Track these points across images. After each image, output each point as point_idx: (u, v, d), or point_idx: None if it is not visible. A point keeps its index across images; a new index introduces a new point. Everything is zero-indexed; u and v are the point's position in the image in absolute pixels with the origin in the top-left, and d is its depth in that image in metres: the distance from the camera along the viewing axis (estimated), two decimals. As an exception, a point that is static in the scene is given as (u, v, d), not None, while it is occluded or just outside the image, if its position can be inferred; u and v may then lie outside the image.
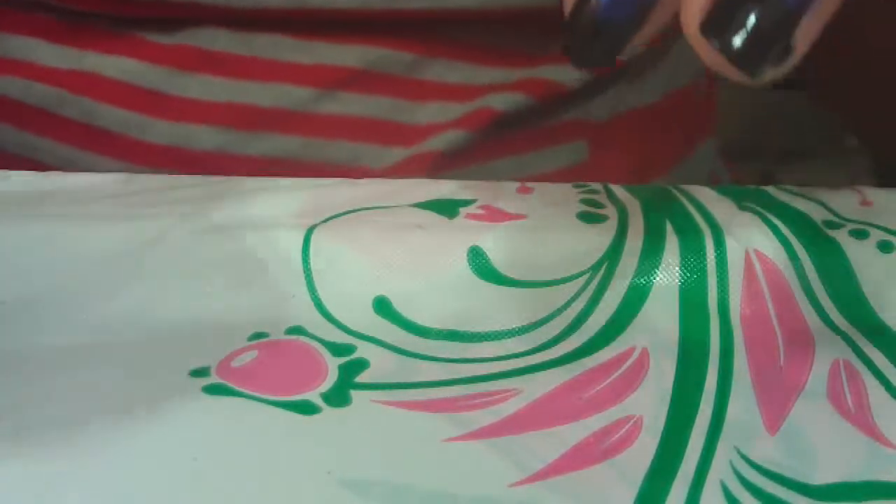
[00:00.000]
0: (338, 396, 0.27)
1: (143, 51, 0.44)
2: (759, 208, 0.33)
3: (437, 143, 0.46)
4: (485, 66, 0.46)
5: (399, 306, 0.30)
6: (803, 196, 0.34)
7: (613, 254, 0.32)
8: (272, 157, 0.45)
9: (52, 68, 0.45)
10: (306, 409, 0.27)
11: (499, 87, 0.46)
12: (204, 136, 0.45)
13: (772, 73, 0.26)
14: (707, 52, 0.26)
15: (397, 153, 0.46)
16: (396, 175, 0.46)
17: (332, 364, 0.29)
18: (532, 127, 0.48)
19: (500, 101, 0.46)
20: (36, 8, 0.44)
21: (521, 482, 0.25)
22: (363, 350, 0.29)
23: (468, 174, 0.47)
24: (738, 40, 0.25)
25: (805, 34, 0.26)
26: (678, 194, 0.35)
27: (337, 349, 0.29)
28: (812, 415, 0.27)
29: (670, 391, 0.28)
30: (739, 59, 0.25)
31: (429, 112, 0.46)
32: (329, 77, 0.45)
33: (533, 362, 0.29)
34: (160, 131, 0.45)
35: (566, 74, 0.48)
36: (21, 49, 0.45)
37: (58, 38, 0.45)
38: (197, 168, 0.44)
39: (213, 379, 0.28)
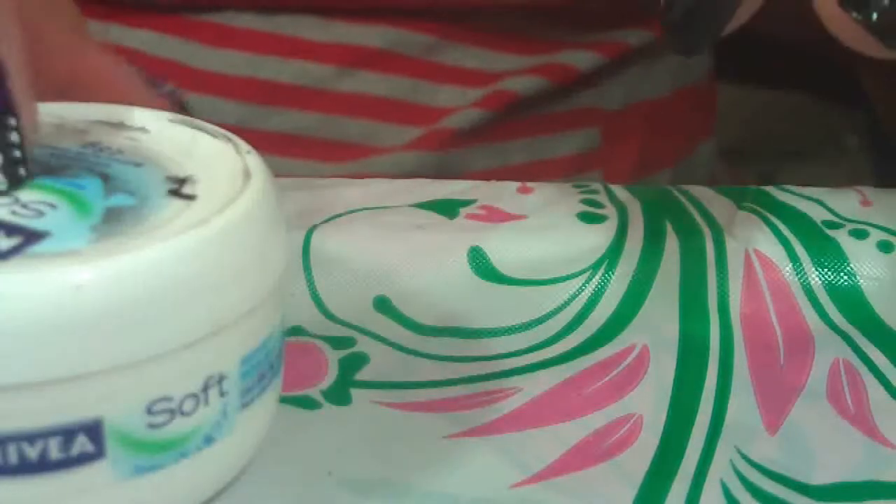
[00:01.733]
0: (338, 394, 0.27)
1: (168, 25, 0.45)
2: (759, 208, 0.33)
3: (452, 121, 0.46)
4: (502, 53, 0.47)
5: (399, 305, 0.30)
6: (803, 196, 0.34)
7: (613, 253, 0.32)
8: (291, 132, 0.46)
9: None
10: (306, 404, 0.27)
11: (515, 72, 0.47)
12: (224, 109, 0.45)
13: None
14: (844, 26, 0.25)
15: (413, 132, 0.46)
16: (410, 151, 0.46)
17: (332, 358, 0.29)
18: (547, 110, 0.48)
19: (517, 84, 0.47)
20: None
21: (523, 482, 0.25)
22: (363, 344, 0.29)
23: (480, 152, 0.47)
24: (878, 11, 0.25)
25: None
26: (678, 194, 0.35)
27: (336, 342, 0.29)
28: (812, 414, 0.27)
29: (670, 389, 0.28)
30: (881, 30, 0.25)
31: (447, 95, 0.46)
32: (349, 55, 0.45)
33: (533, 360, 0.29)
34: None
35: (580, 58, 0.48)
36: None
37: (83, 13, 0.45)
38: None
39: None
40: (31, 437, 0.19)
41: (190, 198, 0.22)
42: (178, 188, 0.22)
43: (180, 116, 0.25)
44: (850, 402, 0.28)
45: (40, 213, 0.21)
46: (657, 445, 0.26)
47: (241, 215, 0.21)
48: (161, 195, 0.22)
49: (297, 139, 0.46)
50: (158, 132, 0.24)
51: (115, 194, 0.22)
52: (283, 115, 0.46)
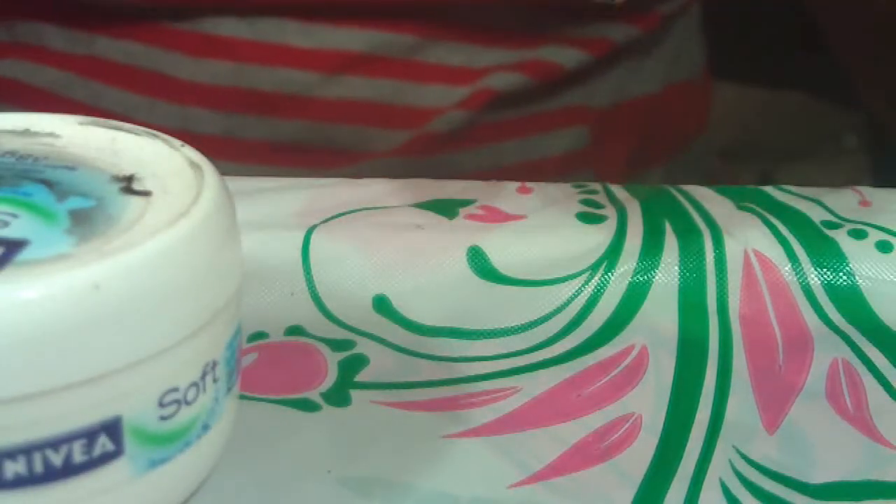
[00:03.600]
0: (338, 396, 0.27)
1: (151, 35, 0.45)
2: (758, 208, 0.33)
3: (439, 124, 0.46)
4: (485, 48, 0.47)
5: (399, 305, 0.30)
6: (802, 196, 0.35)
7: (613, 253, 0.32)
8: (277, 140, 0.46)
9: (60, 52, 0.45)
10: (306, 406, 0.27)
11: (498, 67, 0.47)
12: (210, 120, 0.45)
13: None
14: None
15: (401, 136, 0.46)
16: (399, 157, 0.46)
17: (332, 360, 0.29)
18: (533, 109, 0.48)
19: (498, 81, 0.47)
20: None
21: (522, 482, 0.25)
22: (363, 346, 0.29)
23: (471, 155, 0.47)
24: None
25: None
26: (677, 194, 0.35)
27: (336, 344, 0.29)
28: (811, 414, 0.27)
29: (669, 389, 0.28)
30: None
31: (431, 94, 0.46)
32: (333, 61, 0.45)
33: (533, 360, 0.29)
34: (166, 114, 0.45)
35: (565, 56, 0.48)
36: (31, 34, 0.46)
37: (67, 24, 0.45)
38: (202, 152, 0.45)
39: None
40: (55, 443, 0.19)
41: (146, 194, 0.22)
42: (129, 186, 0.22)
43: (90, 118, 0.25)
44: (849, 402, 0.28)
45: (6, 224, 0.21)
46: (656, 445, 0.26)
47: (216, 200, 0.22)
48: (115, 194, 0.22)
49: (283, 147, 0.46)
50: (72, 135, 0.24)
51: (70, 198, 0.22)
52: (270, 123, 0.45)
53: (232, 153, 0.45)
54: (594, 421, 0.27)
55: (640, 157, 0.52)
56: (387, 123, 0.46)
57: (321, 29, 0.45)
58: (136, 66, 0.45)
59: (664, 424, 0.27)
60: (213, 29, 0.45)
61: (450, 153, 0.47)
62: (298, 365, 0.28)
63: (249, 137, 0.46)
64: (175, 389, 0.21)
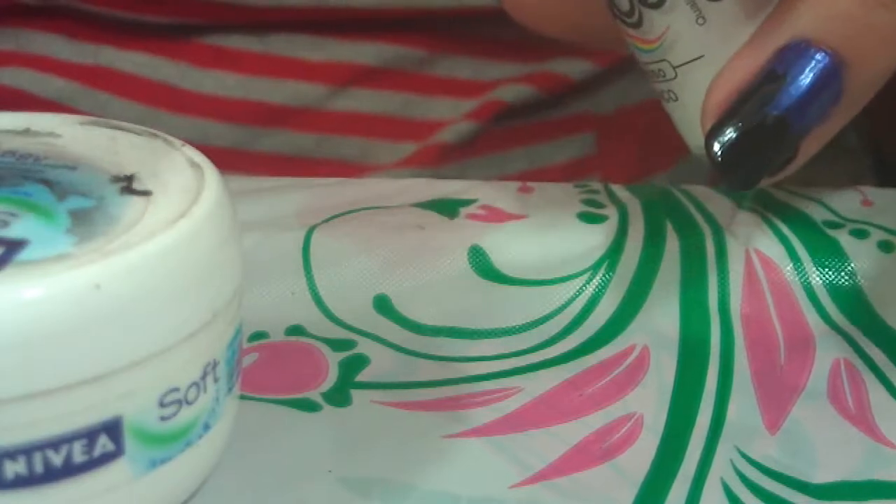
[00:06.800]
0: (338, 396, 0.27)
1: (158, 47, 0.45)
2: (759, 208, 0.33)
3: (445, 135, 0.46)
4: (495, 61, 0.47)
5: (399, 305, 0.30)
6: (803, 196, 0.35)
7: (614, 253, 0.32)
8: (285, 153, 0.46)
9: (67, 62, 0.45)
10: (306, 406, 0.27)
11: (508, 80, 0.47)
12: (217, 132, 0.45)
13: (767, 181, 0.27)
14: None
15: (407, 148, 0.46)
16: (405, 168, 0.46)
17: (333, 360, 0.29)
18: (540, 118, 0.48)
19: (507, 93, 0.47)
20: (54, 7, 0.45)
21: (523, 482, 0.25)
22: (363, 346, 0.29)
23: (477, 164, 0.47)
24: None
25: (807, 150, 0.26)
26: (678, 194, 0.35)
27: (337, 344, 0.29)
28: (812, 414, 0.27)
29: (671, 389, 0.28)
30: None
31: (440, 107, 0.46)
32: (342, 74, 0.45)
33: (534, 360, 0.29)
34: (173, 126, 0.45)
35: (574, 67, 0.48)
36: (38, 44, 0.45)
37: (74, 34, 0.45)
38: None
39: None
40: (56, 443, 0.19)
41: (146, 193, 0.22)
42: (129, 185, 0.22)
43: (91, 118, 0.25)
44: (850, 401, 0.28)
45: (6, 224, 0.21)
46: (658, 445, 0.26)
47: (218, 199, 0.22)
48: (115, 194, 0.22)
49: (291, 160, 0.46)
50: (72, 135, 0.24)
51: (70, 198, 0.22)
52: (277, 136, 0.45)
53: (239, 165, 0.45)
54: (595, 421, 0.27)
55: (645, 161, 0.52)
56: (395, 136, 0.46)
57: (331, 42, 0.45)
58: (142, 77, 0.45)
59: (665, 424, 0.27)
60: (221, 41, 0.45)
61: (456, 164, 0.47)
62: (299, 365, 0.28)
63: (257, 150, 0.46)
64: (176, 389, 0.21)
